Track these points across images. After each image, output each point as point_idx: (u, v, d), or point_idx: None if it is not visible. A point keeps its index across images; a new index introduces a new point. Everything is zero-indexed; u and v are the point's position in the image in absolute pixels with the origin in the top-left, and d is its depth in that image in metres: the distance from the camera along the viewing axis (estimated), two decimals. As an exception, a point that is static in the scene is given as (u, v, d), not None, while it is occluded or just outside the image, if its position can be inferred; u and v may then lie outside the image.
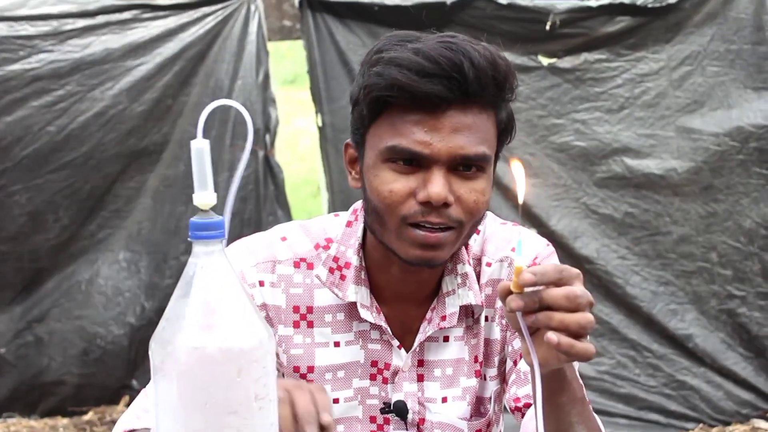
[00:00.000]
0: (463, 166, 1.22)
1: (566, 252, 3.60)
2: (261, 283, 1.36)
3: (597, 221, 3.66)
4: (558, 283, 1.02)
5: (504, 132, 1.28)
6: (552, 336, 1.00)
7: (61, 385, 3.77)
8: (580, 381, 1.20)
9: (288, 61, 6.70)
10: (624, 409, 3.64)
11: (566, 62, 3.62)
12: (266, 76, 3.75)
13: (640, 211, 3.64)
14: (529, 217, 3.54)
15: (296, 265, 1.37)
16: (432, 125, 1.20)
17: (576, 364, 1.35)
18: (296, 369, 1.37)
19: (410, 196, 1.22)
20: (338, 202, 3.62)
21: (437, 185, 1.20)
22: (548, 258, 1.39)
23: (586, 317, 1.01)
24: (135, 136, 3.68)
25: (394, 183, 1.22)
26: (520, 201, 1.08)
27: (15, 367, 3.76)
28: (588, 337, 1.04)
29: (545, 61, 3.62)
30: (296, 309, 1.36)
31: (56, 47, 3.59)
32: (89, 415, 3.75)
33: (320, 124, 3.73)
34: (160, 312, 3.84)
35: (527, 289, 1.02)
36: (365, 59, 1.27)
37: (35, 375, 3.76)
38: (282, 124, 3.94)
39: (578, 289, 1.02)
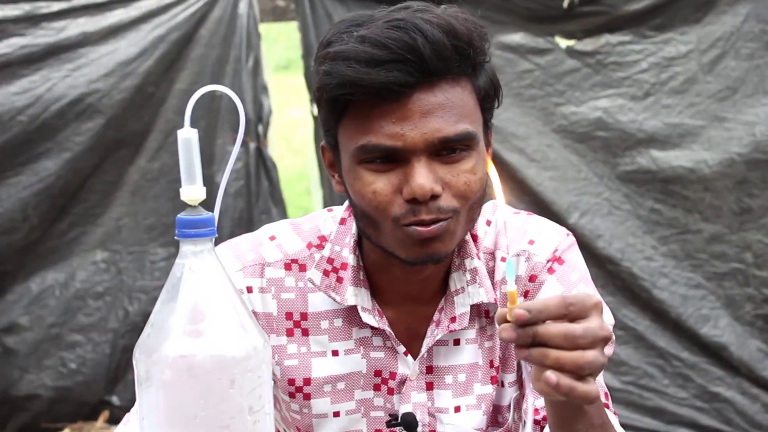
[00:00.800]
0: (445, 150, 1.21)
1: (587, 252, 3.54)
2: (249, 289, 1.35)
3: (620, 218, 3.63)
4: (563, 318, 0.98)
5: (487, 98, 1.26)
6: (551, 376, 0.97)
7: (33, 400, 3.76)
8: (602, 406, 1.18)
9: (281, 45, 6.69)
10: (651, 423, 3.62)
11: (586, 44, 3.57)
12: (257, 62, 3.74)
13: (667, 208, 3.61)
14: (546, 214, 3.50)
15: (287, 267, 1.37)
16: (400, 114, 1.18)
17: (600, 379, 1.34)
18: (291, 382, 1.37)
19: (395, 194, 1.21)
20: (336, 199, 3.60)
21: (420, 178, 1.18)
22: (568, 250, 1.38)
23: (584, 357, 0.97)
24: (113, 125, 3.67)
25: (375, 183, 1.21)
26: (501, 203, 1.07)
27: (-17, 381, 3.76)
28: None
29: (563, 43, 3.57)
30: (289, 316, 1.36)
31: (29, 30, 3.58)
32: (65, 432, 3.76)
33: (316, 113, 3.72)
34: (145, 317, 3.80)
35: None
36: (316, 55, 1.25)
37: (5, 389, 3.75)
38: (275, 114, 3.94)
39: (580, 327, 0.98)
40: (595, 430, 1.14)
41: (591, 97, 3.58)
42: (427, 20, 1.17)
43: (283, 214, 3.79)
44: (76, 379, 3.76)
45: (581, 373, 0.97)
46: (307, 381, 1.36)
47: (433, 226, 1.20)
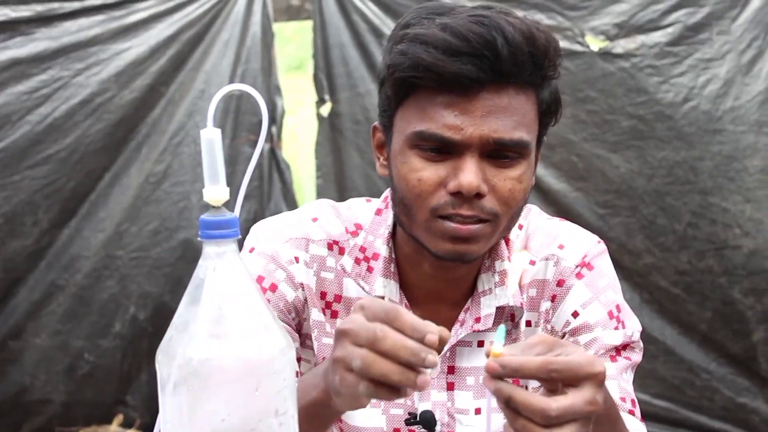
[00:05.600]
0: (498, 154, 1.23)
1: (616, 265, 3.46)
2: (296, 260, 1.37)
3: (654, 233, 3.51)
4: (544, 381, 0.96)
5: (547, 113, 1.28)
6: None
7: (47, 404, 3.77)
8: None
9: (293, 45, 6.70)
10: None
11: (619, 47, 3.45)
12: (270, 61, 3.75)
13: (706, 222, 3.48)
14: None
15: (329, 247, 1.39)
16: (463, 108, 1.20)
17: (628, 385, 1.33)
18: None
19: (440, 186, 1.23)
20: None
21: (469, 173, 1.20)
22: (598, 256, 1.40)
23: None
24: (124, 126, 3.68)
25: (422, 171, 1.23)
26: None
27: (-6, 386, 3.76)
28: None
29: (595, 45, 3.47)
30: (323, 295, 1.38)
31: (38, 29, 3.59)
32: (79, 435, 3.78)
33: (325, 114, 3.71)
34: (153, 322, 3.79)
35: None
36: (391, 34, 1.28)
37: (17, 394, 3.75)
38: (287, 115, 3.95)
39: (556, 407, 0.93)
40: None
41: (626, 104, 3.45)
42: (510, 23, 1.19)
43: (296, 216, 3.77)
44: (88, 383, 3.76)
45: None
46: None
47: (471, 226, 1.22)
